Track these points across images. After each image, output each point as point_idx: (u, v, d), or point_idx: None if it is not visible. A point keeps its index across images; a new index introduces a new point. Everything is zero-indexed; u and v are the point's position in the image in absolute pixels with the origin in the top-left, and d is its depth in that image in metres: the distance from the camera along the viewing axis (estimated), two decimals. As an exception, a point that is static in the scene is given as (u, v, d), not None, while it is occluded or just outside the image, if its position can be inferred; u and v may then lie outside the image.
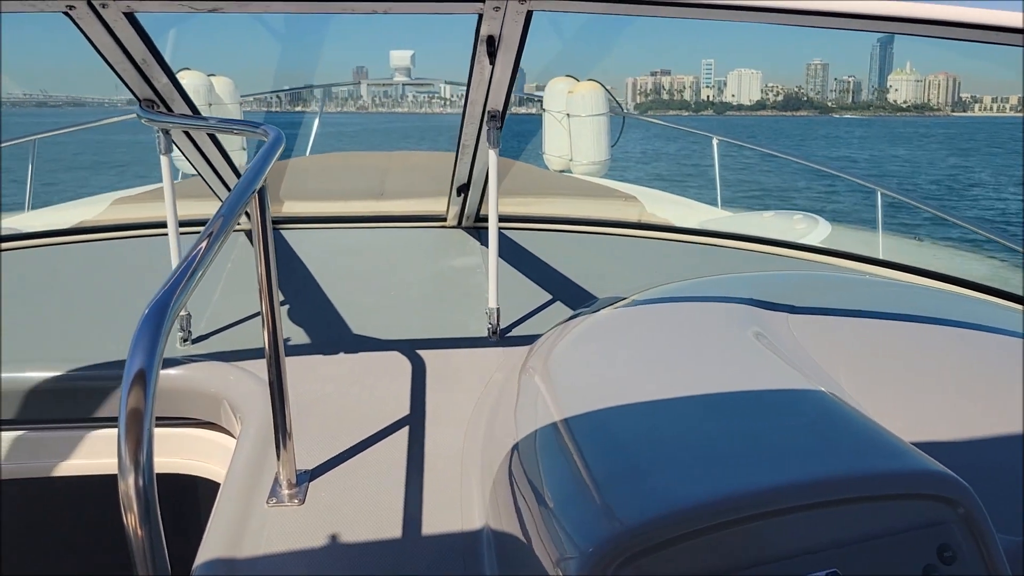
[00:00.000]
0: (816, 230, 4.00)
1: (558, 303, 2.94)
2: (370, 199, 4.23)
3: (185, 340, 2.59)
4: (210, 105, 6.51)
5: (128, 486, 0.92)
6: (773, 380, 1.82)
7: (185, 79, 6.30)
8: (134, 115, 5.93)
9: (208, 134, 2.80)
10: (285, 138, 1.96)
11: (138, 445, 0.93)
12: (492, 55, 2.32)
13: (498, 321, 2.69)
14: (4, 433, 2.38)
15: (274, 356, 1.77)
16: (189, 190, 4.81)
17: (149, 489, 0.94)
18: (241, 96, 6.50)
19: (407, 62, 7.93)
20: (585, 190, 5.10)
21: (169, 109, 2.59)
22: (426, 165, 5.60)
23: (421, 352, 2.56)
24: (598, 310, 2.71)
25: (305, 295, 2.98)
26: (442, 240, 3.58)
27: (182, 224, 3.66)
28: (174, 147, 2.71)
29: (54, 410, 2.39)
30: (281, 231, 3.60)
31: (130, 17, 2.11)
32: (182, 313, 2.58)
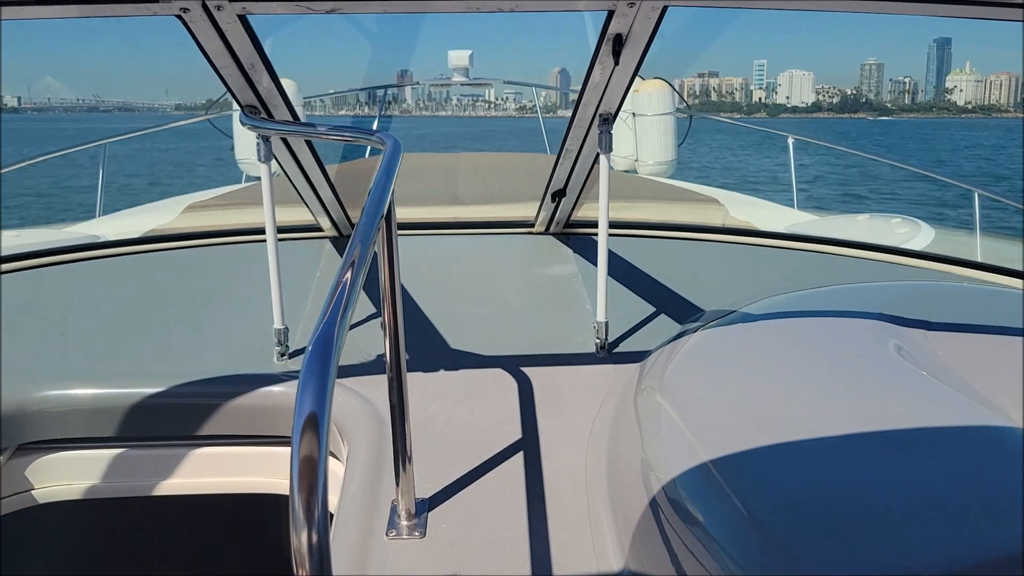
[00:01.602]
0: (919, 235, 3.78)
1: (663, 315, 2.80)
2: (445, 203, 4.13)
3: (282, 355, 2.51)
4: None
5: (301, 543, 0.81)
6: (944, 410, 1.65)
7: None
8: (203, 119, 5.96)
9: (306, 141, 2.73)
10: (402, 146, 1.87)
11: (312, 496, 0.82)
12: (617, 54, 2.20)
13: (606, 336, 2.57)
14: (100, 451, 2.32)
15: (396, 377, 1.68)
16: (251, 197, 4.78)
17: (324, 546, 0.82)
18: (304, 98, 6.45)
19: (465, 62, 7.85)
20: (662, 193, 4.95)
21: (270, 114, 2.51)
22: (495, 167, 5.49)
23: (526, 369, 2.45)
24: (710, 323, 2.57)
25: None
26: (533, 247, 3.46)
27: (250, 232, 3.63)
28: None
29: (151, 427, 2.32)
30: None
31: (243, 19, 2.04)
32: (278, 327, 2.50)
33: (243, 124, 2.47)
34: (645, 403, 2.06)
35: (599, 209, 2.60)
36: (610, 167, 2.56)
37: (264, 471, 2.39)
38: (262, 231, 3.65)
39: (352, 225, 3.54)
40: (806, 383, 1.90)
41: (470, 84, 7.63)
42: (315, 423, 0.88)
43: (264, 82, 2.38)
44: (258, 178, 5.98)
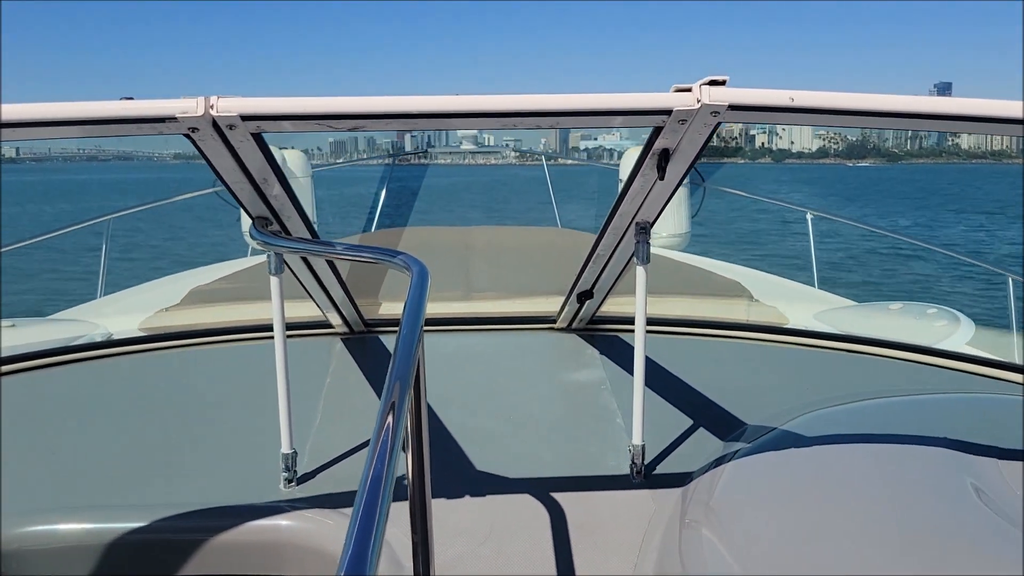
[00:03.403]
0: (959, 330, 3.61)
1: (700, 429, 2.62)
2: (459, 294, 3.95)
3: (290, 482, 2.31)
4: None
5: None
6: None
7: None
8: (210, 192, 5.83)
9: None
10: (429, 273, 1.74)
11: None
12: (663, 169, 2.05)
13: (643, 459, 2.38)
14: None
15: (420, 513, 1.49)
16: (256, 281, 4.61)
17: None
18: (313, 169, 6.36)
19: (473, 131, 7.79)
20: (681, 276, 4.78)
21: (282, 225, 2.36)
22: (508, 245, 5.34)
23: (556, 496, 2.26)
24: (754, 441, 2.40)
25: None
26: (556, 346, 3.28)
27: (256, 329, 3.45)
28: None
29: (143, 566, 2.12)
30: (379, 335, 3.34)
31: (257, 138, 1.89)
32: (286, 451, 2.31)
33: (254, 239, 2.31)
34: (690, 541, 1.89)
35: (636, 323, 2.44)
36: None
37: None
38: (269, 328, 3.49)
39: (364, 323, 3.37)
40: (871, 523, 1.74)
41: (480, 152, 7.57)
42: None
43: (276, 193, 2.24)
44: (263, 252, 5.81)
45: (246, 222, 6.10)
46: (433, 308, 3.60)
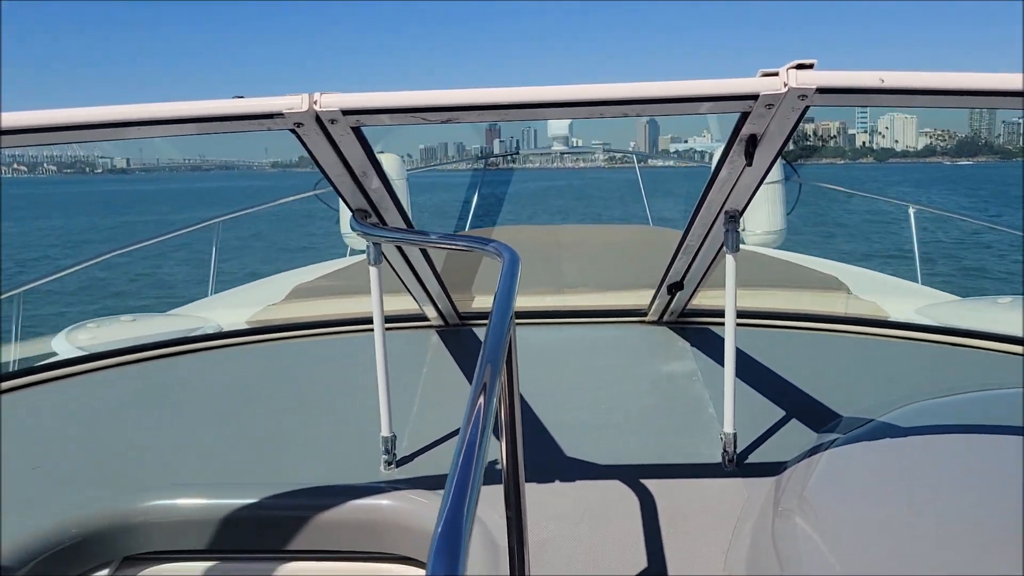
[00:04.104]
0: None
1: (793, 420, 2.60)
2: (550, 289, 4.01)
3: (389, 464, 2.40)
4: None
5: None
6: None
7: None
8: (309, 195, 6.05)
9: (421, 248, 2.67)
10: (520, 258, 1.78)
11: None
12: (750, 155, 2.06)
13: (735, 448, 2.38)
14: (202, 563, 2.25)
15: (515, 493, 1.54)
16: (356, 278, 4.76)
17: None
18: (408, 172, 6.52)
19: (565, 131, 7.84)
20: (776, 271, 4.72)
21: (380, 217, 2.46)
22: (599, 242, 5.37)
23: (648, 483, 2.28)
24: (850, 432, 2.36)
25: None
26: (646, 339, 3.30)
27: (356, 322, 3.58)
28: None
29: (253, 539, 2.24)
30: (472, 328, 3.43)
31: (357, 131, 1.99)
32: (386, 435, 2.41)
33: (354, 230, 2.41)
34: (784, 530, 1.88)
35: (726, 312, 2.44)
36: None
37: None
38: (368, 321, 3.62)
39: (459, 315, 3.46)
40: (969, 518, 1.70)
41: (570, 153, 7.59)
42: None
43: (375, 186, 2.34)
44: (362, 251, 6.02)
45: (344, 223, 6.35)
46: (525, 302, 3.67)
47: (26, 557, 1.95)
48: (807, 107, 1.87)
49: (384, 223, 2.49)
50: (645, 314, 3.39)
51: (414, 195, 6.77)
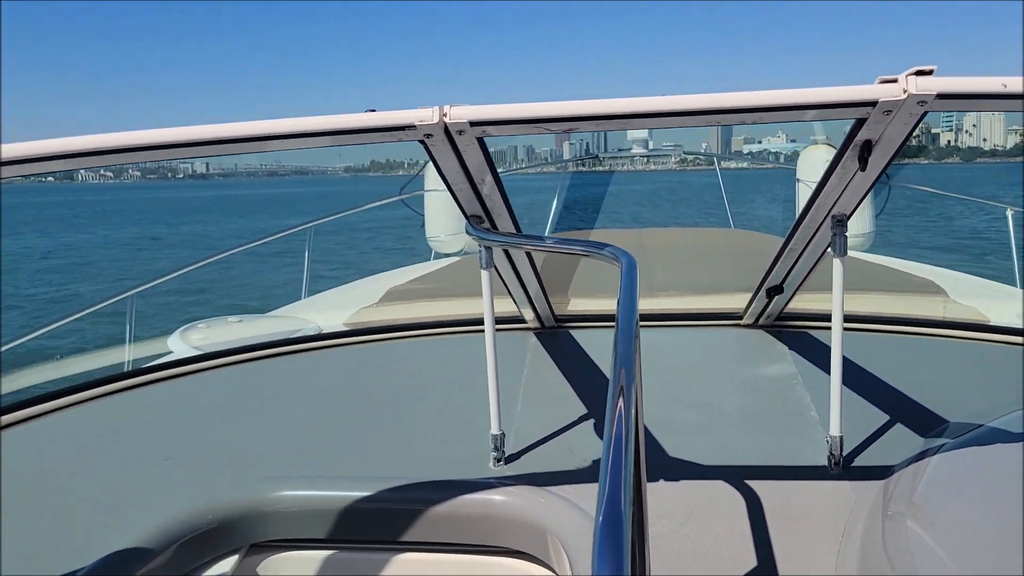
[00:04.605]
0: None
1: (899, 425, 2.59)
2: (641, 288, 4.04)
3: (499, 460, 2.48)
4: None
5: None
6: None
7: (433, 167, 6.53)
8: (396, 199, 6.21)
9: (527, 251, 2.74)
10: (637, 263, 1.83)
11: None
12: (864, 160, 2.08)
13: (841, 451, 2.39)
14: (323, 552, 2.35)
15: (636, 494, 1.59)
16: (446, 281, 4.87)
17: None
18: None
19: (645, 134, 7.82)
20: (870, 275, 4.66)
21: (492, 222, 2.54)
22: (685, 246, 5.38)
23: (752, 483, 2.30)
24: (959, 436, 2.34)
25: (605, 407, 2.81)
26: (743, 343, 3.32)
27: (452, 324, 3.69)
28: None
29: (370, 530, 2.34)
30: (569, 330, 3.49)
31: (480, 142, 2.08)
32: (495, 432, 2.48)
33: (469, 234, 2.50)
34: (895, 533, 1.88)
35: (833, 316, 2.45)
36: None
37: None
38: (464, 323, 3.73)
39: (555, 318, 3.53)
40: None
41: (650, 155, 7.57)
42: None
43: (489, 192, 2.41)
44: (447, 255, 6.13)
45: (429, 228, 6.49)
46: (614, 304, 3.72)
47: (167, 541, 2.08)
48: (925, 112, 1.88)
49: (495, 228, 2.57)
50: (740, 317, 3.40)
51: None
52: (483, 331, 3.54)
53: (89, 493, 2.36)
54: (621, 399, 1.19)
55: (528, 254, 2.88)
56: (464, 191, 2.35)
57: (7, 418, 2.86)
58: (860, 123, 1.98)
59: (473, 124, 1.94)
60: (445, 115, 1.91)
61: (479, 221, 2.51)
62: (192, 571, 2.14)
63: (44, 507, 2.28)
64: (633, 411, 1.23)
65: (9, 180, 1.88)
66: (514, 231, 2.67)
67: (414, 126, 1.92)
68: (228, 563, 2.20)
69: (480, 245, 2.49)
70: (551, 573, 2.19)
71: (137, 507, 2.23)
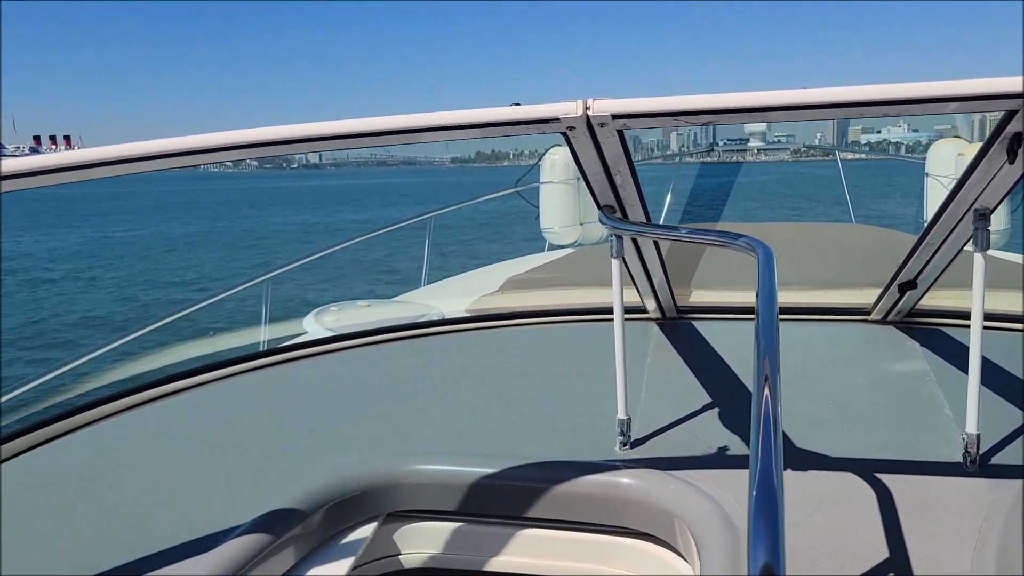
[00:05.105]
0: None
1: None
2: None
3: (624, 444, 2.53)
4: (578, 179, 6.85)
5: None
6: None
7: (556, 155, 6.64)
8: (512, 191, 6.33)
9: (654, 241, 2.78)
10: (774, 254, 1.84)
11: None
12: (1014, 153, 2.03)
13: (978, 449, 2.34)
14: (454, 524, 2.46)
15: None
16: (563, 271, 4.94)
17: None
18: None
19: (763, 127, 7.72)
20: (1000, 271, 4.48)
21: (624, 212, 2.59)
22: (805, 241, 5.28)
23: (882, 477, 2.28)
24: None
25: (729, 397, 2.82)
26: (871, 338, 3.27)
27: (574, 312, 3.76)
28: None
29: (500, 505, 2.43)
30: (691, 321, 3.51)
31: (620, 134, 2.13)
32: (622, 417, 2.54)
33: (603, 224, 2.55)
34: None
35: (972, 312, 2.40)
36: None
37: (603, 560, 2.42)
38: (585, 311, 3.79)
39: (676, 309, 3.55)
40: None
41: (767, 149, 7.45)
42: None
43: (625, 184, 2.46)
44: (561, 247, 6.20)
45: (544, 219, 6.56)
46: (741, 297, 3.71)
47: (314, 505, 2.22)
48: None
49: (627, 218, 2.62)
50: (868, 313, 3.35)
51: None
52: (605, 320, 3.61)
53: (240, 459, 2.54)
54: (767, 387, 1.21)
55: (656, 244, 2.91)
56: (599, 181, 2.41)
57: (168, 387, 3.11)
58: (1010, 115, 1.94)
59: (615, 117, 1.98)
60: (588, 108, 1.96)
61: (612, 211, 2.56)
62: (335, 534, 2.29)
63: (202, 470, 2.48)
64: (779, 399, 1.26)
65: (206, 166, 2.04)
66: (644, 221, 2.71)
67: (558, 119, 1.97)
68: (367, 529, 2.33)
69: (611, 235, 2.54)
70: (677, 556, 2.23)
71: (284, 474, 2.39)
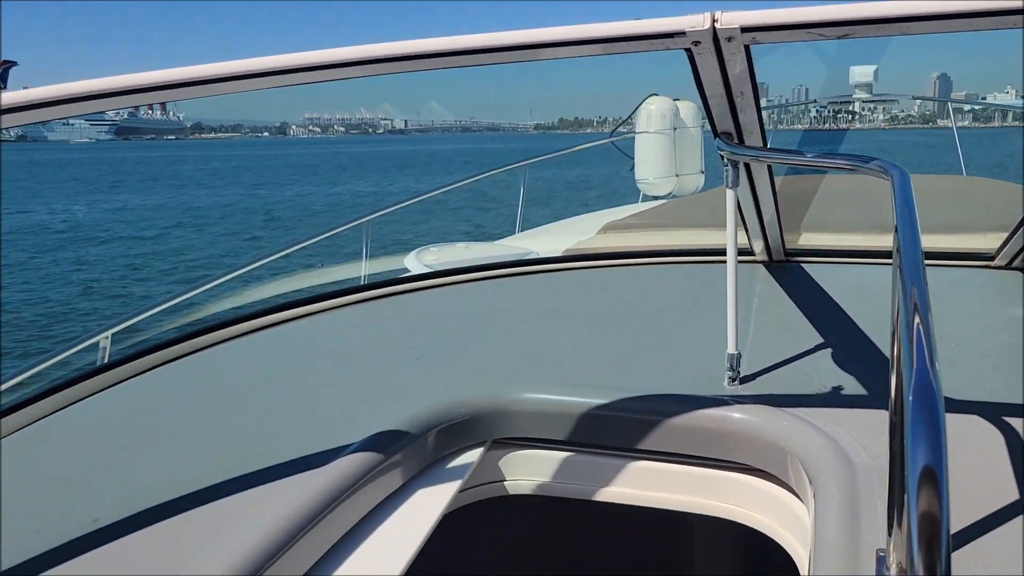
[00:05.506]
0: None
1: None
2: (873, 230, 3.88)
3: (733, 380, 2.48)
4: (675, 129, 6.75)
5: None
6: None
7: (653, 105, 6.53)
8: (606, 141, 6.28)
9: (768, 167, 2.69)
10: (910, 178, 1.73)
11: (934, 561, 0.75)
12: None
13: None
14: (558, 453, 2.46)
15: (900, 423, 1.54)
16: (661, 218, 4.86)
17: None
18: (703, 118, 6.57)
19: (869, 77, 7.42)
20: None
21: (742, 140, 2.51)
22: (920, 188, 5.08)
23: (1010, 420, 2.18)
24: None
25: (841, 337, 2.73)
26: (995, 283, 3.12)
27: (672, 253, 3.70)
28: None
29: (604, 436, 2.42)
30: (801, 264, 3.42)
31: (746, 51, 2.05)
32: (732, 351, 2.48)
33: (721, 151, 2.47)
34: None
35: None
36: None
37: (712, 494, 2.38)
38: (689, 252, 3.73)
39: (785, 252, 3.46)
40: None
41: (872, 101, 7.17)
42: (934, 480, 0.88)
43: (746, 108, 2.38)
44: (655, 198, 6.11)
45: (639, 170, 6.48)
46: (853, 239, 3.59)
47: (424, 428, 2.25)
48: None
49: (743, 145, 2.54)
50: (991, 258, 3.19)
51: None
52: (708, 261, 3.53)
53: (350, 384, 2.59)
54: (916, 316, 1.15)
55: (771, 177, 2.83)
56: (719, 105, 2.33)
57: (278, 316, 3.19)
58: None
59: (744, 30, 1.90)
60: (716, 21, 1.87)
61: (729, 138, 2.48)
62: (442, 457, 2.31)
63: (313, 393, 2.54)
64: (928, 306, 1.20)
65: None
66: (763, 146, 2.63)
67: (683, 32, 1.90)
68: (474, 454, 2.35)
69: (727, 163, 2.46)
70: (788, 492, 2.18)
71: (392, 398, 2.43)
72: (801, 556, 2.02)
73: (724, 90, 2.23)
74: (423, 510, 2.03)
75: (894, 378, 1.54)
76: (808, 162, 2.36)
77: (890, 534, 1.60)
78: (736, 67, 2.12)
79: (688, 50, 2.01)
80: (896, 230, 1.48)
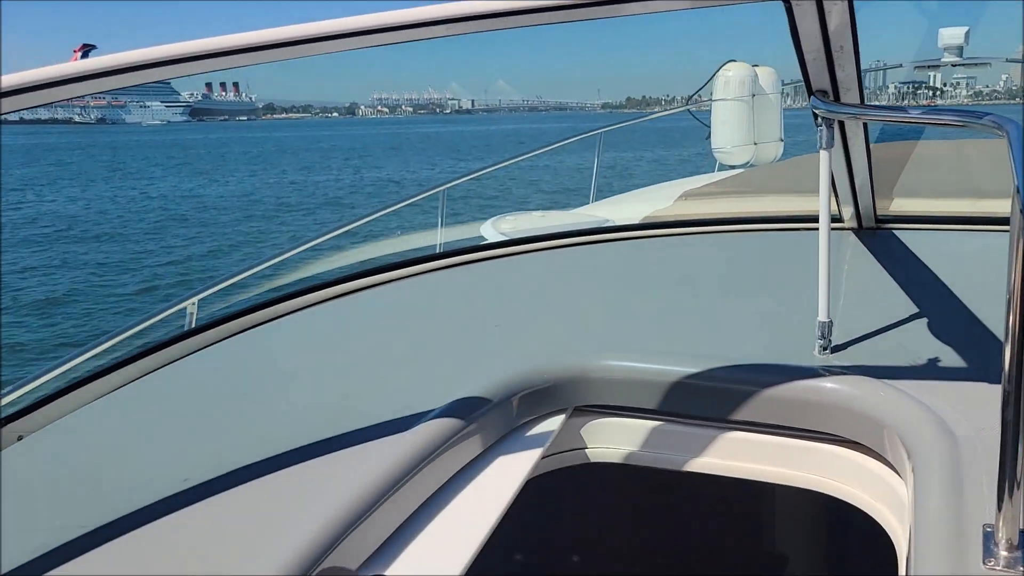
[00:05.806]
0: None
1: None
2: (966, 195, 3.70)
3: (824, 349, 2.38)
4: (753, 96, 6.58)
5: None
6: None
7: (731, 71, 6.37)
8: (682, 109, 6.16)
9: (864, 126, 2.57)
10: None
11: None
12: None
13: None
14: (642, 421, 2.41)
15: (1015, 392, 1.44)
16: (740, 185, 4.73)
17: None
18: (783, 84, 6.39)
19: (960, 39, 7.09)
20: None
21: (838, 98, 2.40)
22: (992, 154, 4.86)
23: None
24: None
25: (938, 307, 2.61)
26: None
27: (757, 220, 3.59)
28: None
29: (689, 405, 2.35)
30: (893, 231, 3.28)
31: (850, 3, 1.95)
32: (823, 319, 2.38)
33: (816, 110, 2.35)
34: None
35: None
36: None
37: (803, 467, 2.31)
38: (773, 219, 3.62)
39: (876, 219, 3.33)
40: None
41: (963, 64, 6.85)
42: None
43: (845, 64, 2.27)
44: (732, 167, 5.98)
45: (716, 139, 6.34)
46: (948, 205, 3.44)
47: (506, 394, 2.22)
48: None
49: (854, 104, 2.43)
50: None
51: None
52: (791, 228, 3.42)
53: (431, 349, 2.59)
54: None
55: (866, 138, 2.71)
56: (816, 60, 2.23)
57: (366, 280, 3.22)
58: None
59: None
60: None
61: (824, 96, 2.37)
62: (524, 423, 2.28)
63: (396, 357, 2.54)
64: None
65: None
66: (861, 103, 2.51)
67: None
68: (555, 421, 2.31)
69: (821, 123, 2.35)
70: (885, 466, 2.09)
71: (474, 364, 2.41)
72: (897, 531, 1.93)
73: (823, 43, 2.13)
74: (506, 476, 2.01)
75: (1008, 347, 1.44)
76: (912, 119, 2.23)
77: (1000, 508, 1.51)
78: (837, 18, 2.02)
79: (786, 2, 1.92)
80: (1017, 190, 1.37)
